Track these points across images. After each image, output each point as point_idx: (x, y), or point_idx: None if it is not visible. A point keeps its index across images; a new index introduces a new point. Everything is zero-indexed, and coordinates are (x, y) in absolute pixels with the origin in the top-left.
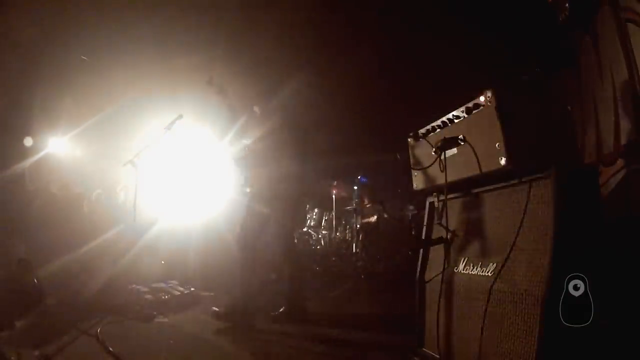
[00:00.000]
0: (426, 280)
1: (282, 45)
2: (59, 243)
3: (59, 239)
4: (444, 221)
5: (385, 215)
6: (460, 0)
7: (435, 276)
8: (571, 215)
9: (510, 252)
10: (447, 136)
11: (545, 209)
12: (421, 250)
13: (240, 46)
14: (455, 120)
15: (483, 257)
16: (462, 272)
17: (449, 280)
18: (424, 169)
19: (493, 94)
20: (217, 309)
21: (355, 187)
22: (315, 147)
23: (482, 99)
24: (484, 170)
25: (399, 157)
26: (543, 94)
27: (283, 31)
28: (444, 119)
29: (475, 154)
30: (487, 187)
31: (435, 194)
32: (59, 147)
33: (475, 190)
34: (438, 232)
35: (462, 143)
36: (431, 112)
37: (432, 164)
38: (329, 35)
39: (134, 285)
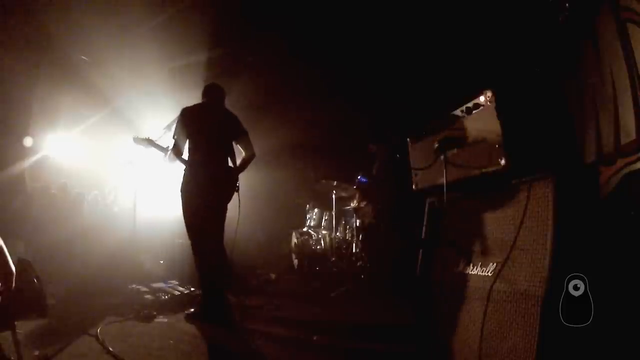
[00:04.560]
0: (426, 280)
1: None
2: (58, 243)
3: (59, 238)
4: (444, 221)
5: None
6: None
7: (436, 276)
8: (571, 215)
9: (510, 252)
10: (447, 136)
11: (545, 209)
12: (421, 250)
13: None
14: (456, 121)
15: (483, 257)
16: (462, 272)
17: (449, 280)
18: (424, 169)
19: (493, 94)
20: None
21: (355, 187)
22: None
23: (482, 98)
24: (484, 170)
25: (398, 157)
26: (543, 94)
27: None
28: (444, 119)
29: (475, 154)
30: (487, 187)
31: (435, 194)
32: (58, 148)
33: (475, 191)
34: (438, 232)
35: (462, 143)
36: (431, 112)
37: (432, 164)
38: None
39: (134, 285)
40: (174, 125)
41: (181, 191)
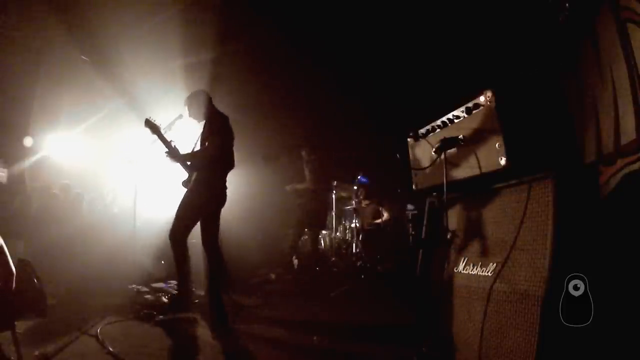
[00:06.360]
0: (426, 280)
1: None
2: (58, 243)
3: (59, 238)
4: (444, 221)
5: (385, 215)
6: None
7: (436, 276)
8: (571, 216)
9: (510, 252)
10: (447, 136)
11: (545, 209)
12: (421, 251)
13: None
14: (455, 120)
15: (483, 257)
16: (462, 272)
17: (449, 280)
18: (424, 169)
19: (493, 94)
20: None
21: (355, 187)
22: None
23: (482, 98)
24: (484, 170)
25: (398, 157)
26: (543, 94)
27: None
28: (444, 119)
29: (475, 154)
30: (487, 187)
31: (435, 194)
32: (58, 147)
33: (475, 191)
34: (438, 232)
35: (462, 143)
36: (431, 112)
37: (432, 164)
38: None
39: (134, 285)
40: (221, 130)
41: (200, 194)
